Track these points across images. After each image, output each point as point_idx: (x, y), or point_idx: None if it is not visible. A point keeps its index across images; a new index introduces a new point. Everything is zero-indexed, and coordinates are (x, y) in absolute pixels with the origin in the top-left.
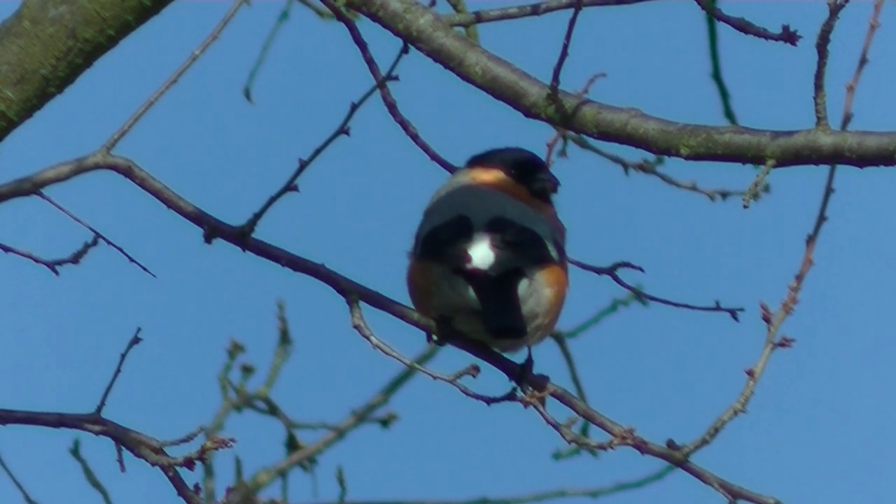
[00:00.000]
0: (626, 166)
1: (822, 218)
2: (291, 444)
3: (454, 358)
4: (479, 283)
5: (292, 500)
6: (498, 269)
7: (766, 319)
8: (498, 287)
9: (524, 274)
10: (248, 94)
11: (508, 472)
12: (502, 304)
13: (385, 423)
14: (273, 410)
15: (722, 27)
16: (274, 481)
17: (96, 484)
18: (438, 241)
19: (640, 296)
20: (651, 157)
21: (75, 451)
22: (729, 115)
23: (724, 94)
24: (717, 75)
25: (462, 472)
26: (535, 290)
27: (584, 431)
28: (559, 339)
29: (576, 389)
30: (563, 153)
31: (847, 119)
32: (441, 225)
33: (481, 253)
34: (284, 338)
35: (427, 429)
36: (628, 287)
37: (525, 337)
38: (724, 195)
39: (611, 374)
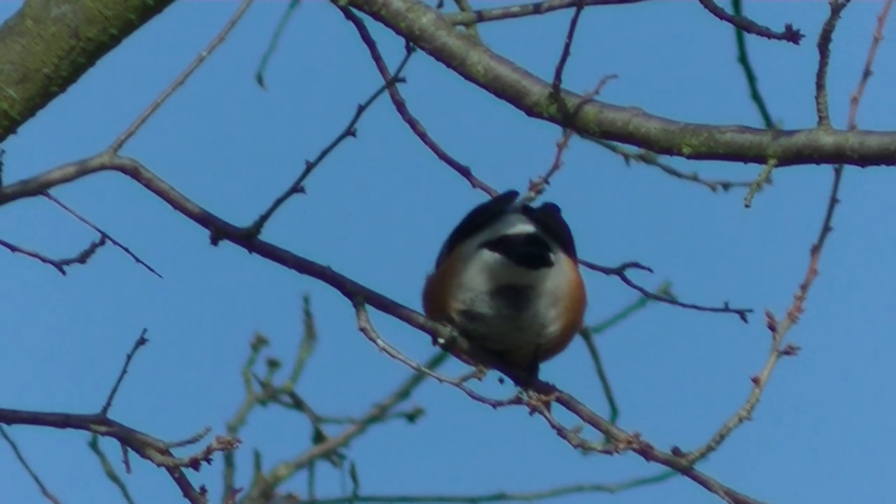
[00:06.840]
0: (626, 157)
1: (826, 228)
2: (318, 439)
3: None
4: (513, 243)
5: (320, 493)
6: (539, 233)
7: (772, 328)
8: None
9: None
10: (260, 80)
11: (525, 468)
12: (530, 244)
13: (411, 417)
14: (298, 405)
15: (723, 26)
16: (298, 475)
17: (114, 478)
18: (474, 218)
19: (647, 296)
20: None
21: (93, 445)
22: (756, 97)
23: (751, 78)
24: (743, 59)
25: (480, 468)
26: (558, 276)
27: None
28: (586, 335)
29: (602, 386)
30: (563, 144)
31: (851, 129)
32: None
33: (520, 226)
34: (309, 332)
35: (444, 426)
36: (637, 288)
37: (550, 264)
38: (726, 186)
39: (614, 379)
